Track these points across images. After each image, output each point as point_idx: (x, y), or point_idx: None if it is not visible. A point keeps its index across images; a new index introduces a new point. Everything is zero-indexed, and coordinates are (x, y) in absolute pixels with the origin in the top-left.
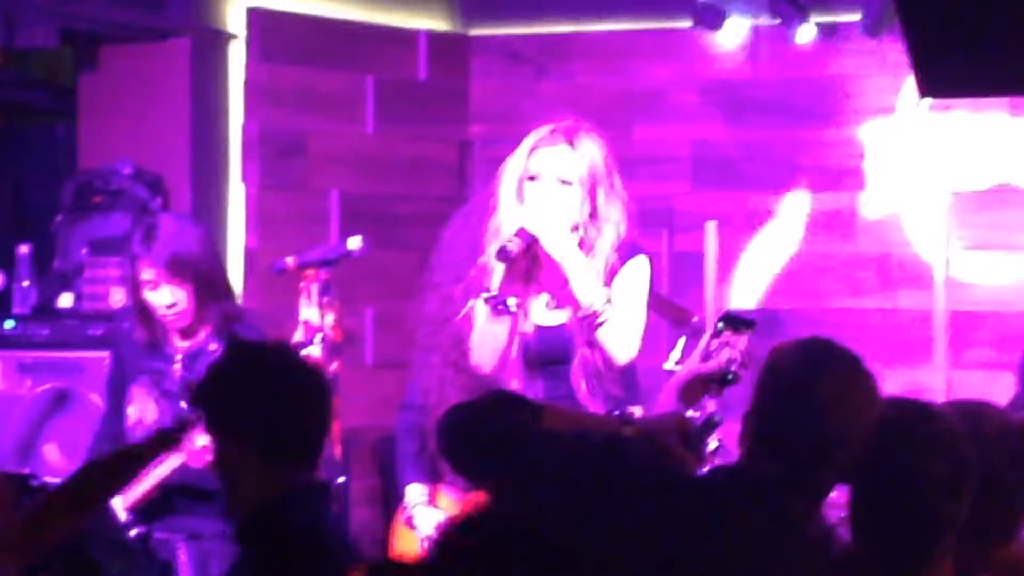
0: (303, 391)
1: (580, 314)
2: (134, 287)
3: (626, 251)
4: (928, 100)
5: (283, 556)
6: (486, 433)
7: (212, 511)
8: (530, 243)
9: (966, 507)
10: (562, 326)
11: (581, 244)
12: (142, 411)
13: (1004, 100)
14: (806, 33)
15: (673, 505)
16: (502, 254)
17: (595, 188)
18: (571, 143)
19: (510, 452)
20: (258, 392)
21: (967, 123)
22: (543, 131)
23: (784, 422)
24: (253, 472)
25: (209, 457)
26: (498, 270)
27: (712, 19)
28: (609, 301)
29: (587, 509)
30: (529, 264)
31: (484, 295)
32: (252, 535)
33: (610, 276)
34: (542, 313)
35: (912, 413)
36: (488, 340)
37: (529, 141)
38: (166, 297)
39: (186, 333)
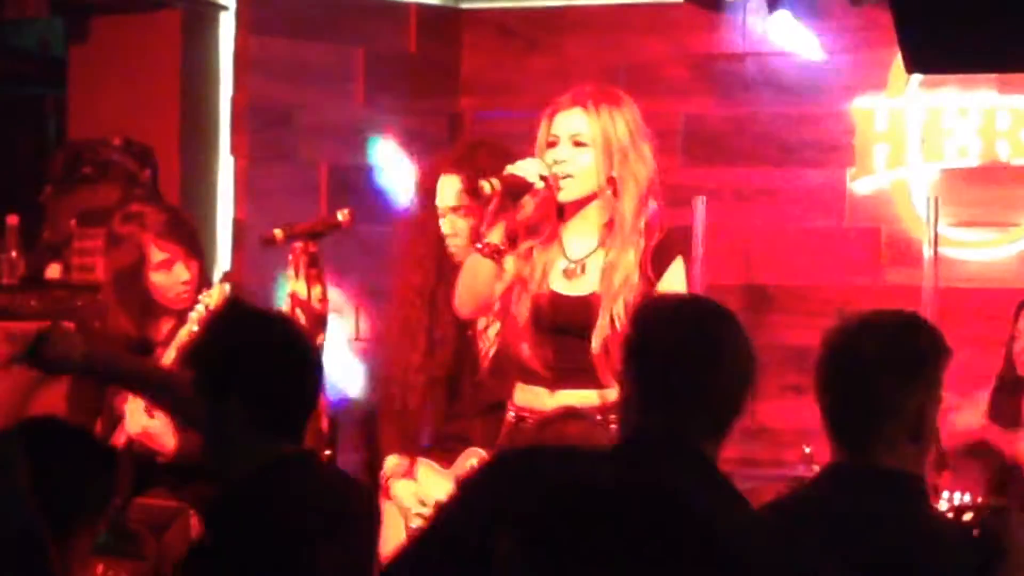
0: (302, 360)
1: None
2: (132, 272)
3: (665, 241)
4: (918, 76)
5: (277, 521)
6: None
7: None
8: (518, 187)
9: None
10: (585, 297)
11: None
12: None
13: (993, 76)
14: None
15: None
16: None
17: (611, 152)
18: (585, 106)
19: None
20: (258, 354)
21: (956, 99)
22: (563, 97)
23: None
24: (243, 437)
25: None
26: (489, 214)
27: None
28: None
29: None
30: (538, 218)
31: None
32: (243, 499)
33: (649, 256)
34: (561, 280)
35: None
36: (467, 278)
37: (549, 109)
38: (183, 274)
39: (182, 316)
